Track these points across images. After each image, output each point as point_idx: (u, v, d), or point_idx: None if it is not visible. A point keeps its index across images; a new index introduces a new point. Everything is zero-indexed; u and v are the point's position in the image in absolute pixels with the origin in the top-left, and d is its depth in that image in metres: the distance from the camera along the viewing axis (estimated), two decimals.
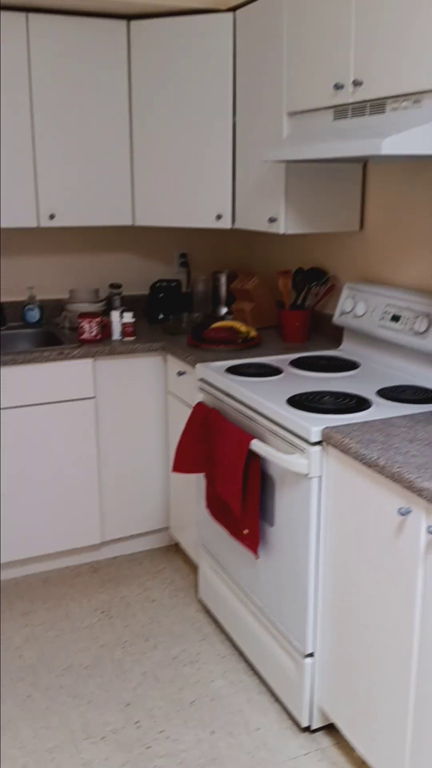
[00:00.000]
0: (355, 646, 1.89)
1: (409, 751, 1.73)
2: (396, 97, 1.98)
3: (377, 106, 2.05)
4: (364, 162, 2.65)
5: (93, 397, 2.90)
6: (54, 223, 2.98)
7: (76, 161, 2.96)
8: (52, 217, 2.96)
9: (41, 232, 3.31)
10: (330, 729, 2.16)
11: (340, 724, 2.01)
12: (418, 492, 1.55)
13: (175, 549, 3.24)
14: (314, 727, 2.14)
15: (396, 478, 1.61)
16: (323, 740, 2.12)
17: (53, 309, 3.38)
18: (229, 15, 2.75)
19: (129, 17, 2.92)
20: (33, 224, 2.95)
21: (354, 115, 2.16)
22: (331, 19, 2.21)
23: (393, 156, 1.94)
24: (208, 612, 2.76)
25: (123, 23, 2.91)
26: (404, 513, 1.61)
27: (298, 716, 2.14)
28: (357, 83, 2.09)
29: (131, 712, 2.24)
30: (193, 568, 3.08)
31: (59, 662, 2.48)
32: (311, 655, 2.07)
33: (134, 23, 2.91)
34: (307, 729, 2.16)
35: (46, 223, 2.96)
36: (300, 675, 2.10)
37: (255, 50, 2.64)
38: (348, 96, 2.15)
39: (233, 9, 2.76)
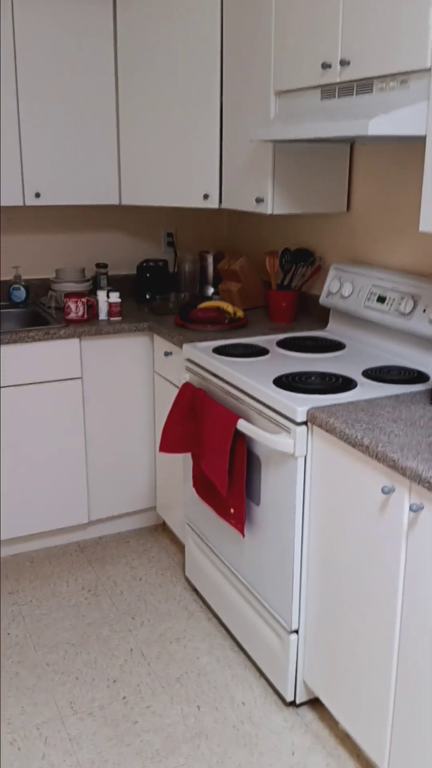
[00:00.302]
0: (340, 622, 1.92)
1: (390, 724, 1.77)
2: (383, 77, 1.97)
3: (364, 86, 2.05)
4: (351, 142, 2.64)
5: (79, 378, 2.89)
6: (39, 202, 2.95)
7: (61, 139, 2.93)
8: (37, 195, 2.94)
9: (27, 210, 3.29)
10: (314, 703, 2.20)
11: (324, 699, 2.05)
12: (402, 471, 1.57)
13: (162, 528, 3.26)
14: (299, 701, 2.17)
15: (380, 458, 1.63)
16: (307, 714, 2.16)
17: (39, 288, 3.36)
18: None
19: None
20: (18, 203, 2.92)
21: (341, 95, 2.15)
22: None
23: (380, 137, 1.94)
24: (194, 590, 2.79)
25: None
26: (388, 491, 1.63)
27: (283, 691, 2.17)
28: (344, 63, 2.08)
29: (118, 689, 2.27)
30: (180, 547, 3.11)
31: (46, 640, 2.50)
32: (296, 631, 2.10)
33: None
34: (291, 703, 2.20)
35: (31, 201, 2.94)
36: (285, 651, 2.13)
37: (243, 27, 2.62)
38: (335, 75, 2.14)
39: None
